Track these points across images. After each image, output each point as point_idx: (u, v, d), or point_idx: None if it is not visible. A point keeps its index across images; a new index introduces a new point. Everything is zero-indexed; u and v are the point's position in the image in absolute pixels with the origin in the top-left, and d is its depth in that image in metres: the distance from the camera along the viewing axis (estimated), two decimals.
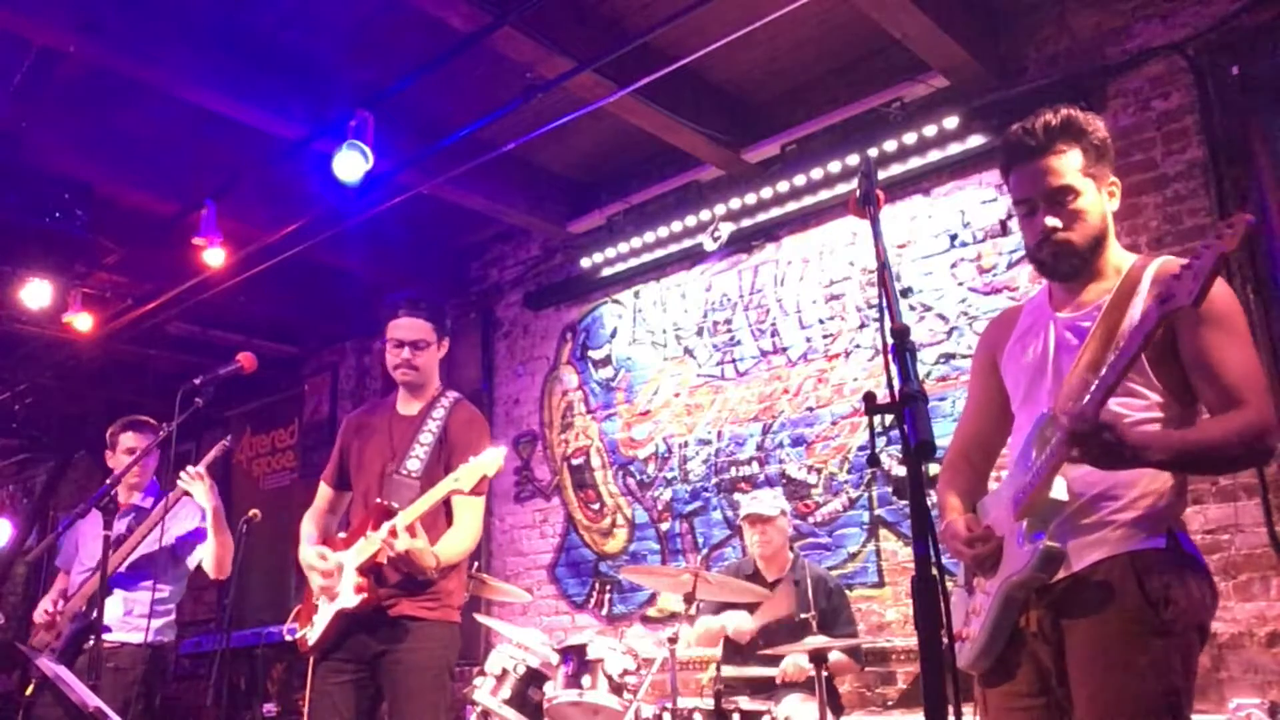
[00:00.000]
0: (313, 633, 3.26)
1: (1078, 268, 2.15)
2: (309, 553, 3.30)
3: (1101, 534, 2.01)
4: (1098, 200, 2.15)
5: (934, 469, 4.83)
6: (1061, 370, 2.12)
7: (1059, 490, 2.00)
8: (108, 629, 4.13)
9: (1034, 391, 2.17)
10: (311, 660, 3.33)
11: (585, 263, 6.43)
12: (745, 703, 4.00)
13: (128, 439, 4.47)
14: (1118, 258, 2.18)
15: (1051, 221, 2.12)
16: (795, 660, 4.17)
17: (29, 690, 4.13)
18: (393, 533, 3.02)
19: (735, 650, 4.49)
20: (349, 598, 3.17)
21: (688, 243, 5.97)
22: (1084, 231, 2.13)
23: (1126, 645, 1.94)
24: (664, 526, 6.01)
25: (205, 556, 4.31)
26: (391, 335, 3.41)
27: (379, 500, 3.22)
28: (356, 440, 3.50)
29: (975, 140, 4.94)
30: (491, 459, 3.13)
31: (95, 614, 4.10)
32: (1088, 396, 1.91)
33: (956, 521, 2.20)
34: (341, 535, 3.41)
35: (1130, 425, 1.97)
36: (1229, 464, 2.09)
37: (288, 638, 3.47)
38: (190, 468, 4.17)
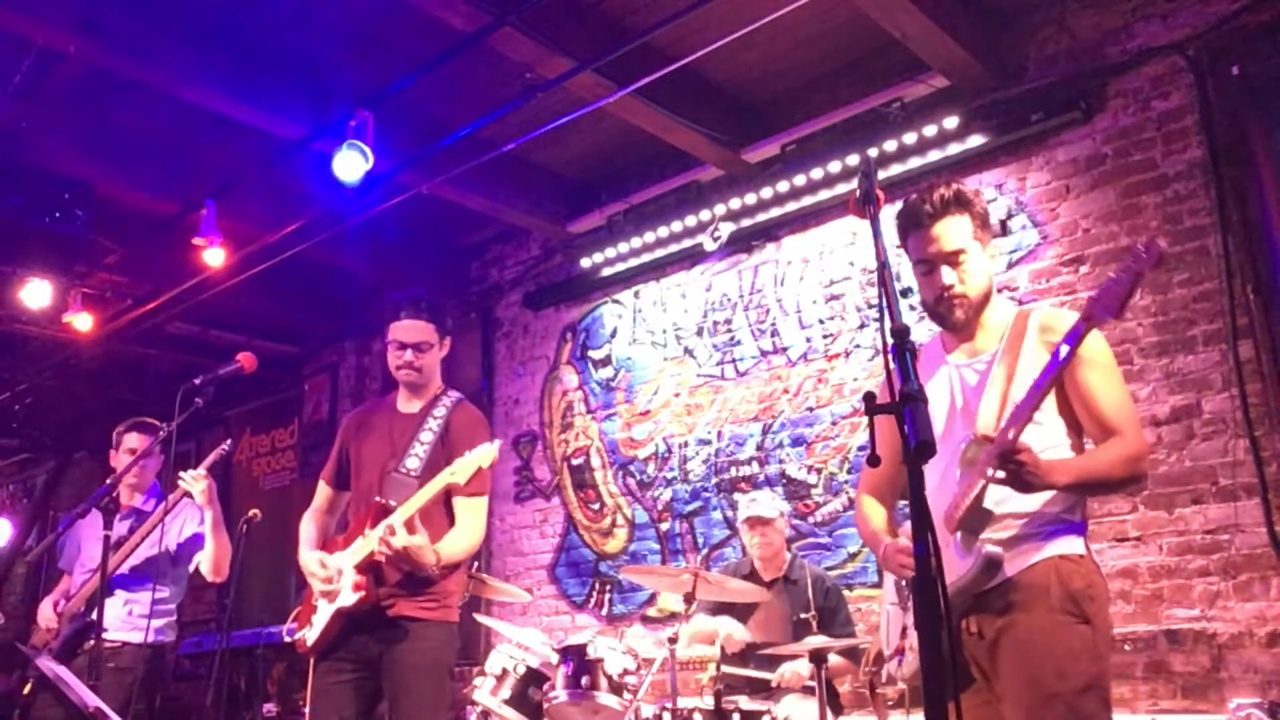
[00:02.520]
0: (311, 633, 3.25)
1: (970, 318, 2.41)
2: (309, 559, 3.28)
3: (1029, 544, 2.25)
4: (983, 262, 2.42)
5: None
6: (970, 406, 2.36)
7: (990, 503, 2.20)
8: (107, 629, 4.14)
9: (947, 430, 2.38)
10: (312, 661, 3.33)
11: (585, 263, 6.43)
12: (745, 703, 4.00)
13: (131, 440, 4.47)
14: (1002, 311, 2.47)
15: (949, 278, 2.38)
16: (793, 668, 4.15)
17: (27, 689, 4.14)
18: (390, 530, 3.02)
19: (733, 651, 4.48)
20: (347, 596, 3.16)
21: (688, 243, 5.97)
22: (975, 286, 2.39)
23: (1059, 632, 2.17)
24: (664, 526, 6.01)
25: (204, 559, 4.31)
26: (393, 337, 3.39)
27: (377, 499, 3.21)
28: (356, 439, 3.48)
29: (975, 140, 4.94)
30: (484, 452, 3.12)
31: (94, 615, 4.12)
32: (1010, 420, 2.16)
33: (899, 541, 2.42)
34: (340, 536, 3.41)
35: (1041, 453, 2.20)
36: (1116, 486, 2.35)
37: (287, 639, 3.46)
38: (191, 471, 4.16)
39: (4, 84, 5.00)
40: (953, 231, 2.37)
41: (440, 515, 3.24)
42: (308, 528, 3.49)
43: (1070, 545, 2.26)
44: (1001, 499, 2.21)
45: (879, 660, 4.72)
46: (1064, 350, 2.13)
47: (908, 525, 2.35)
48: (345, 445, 3.52)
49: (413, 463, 3.29)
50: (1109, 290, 2.08)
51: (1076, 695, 2.11)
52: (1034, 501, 2.23)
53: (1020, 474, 2.10)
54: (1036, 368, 2.22)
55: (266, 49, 5.03)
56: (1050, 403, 2.27)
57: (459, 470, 3.11)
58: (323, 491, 3.55)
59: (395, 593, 3.18)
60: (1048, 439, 2.28)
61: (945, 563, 2.18)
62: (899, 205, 5.41)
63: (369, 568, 3.17)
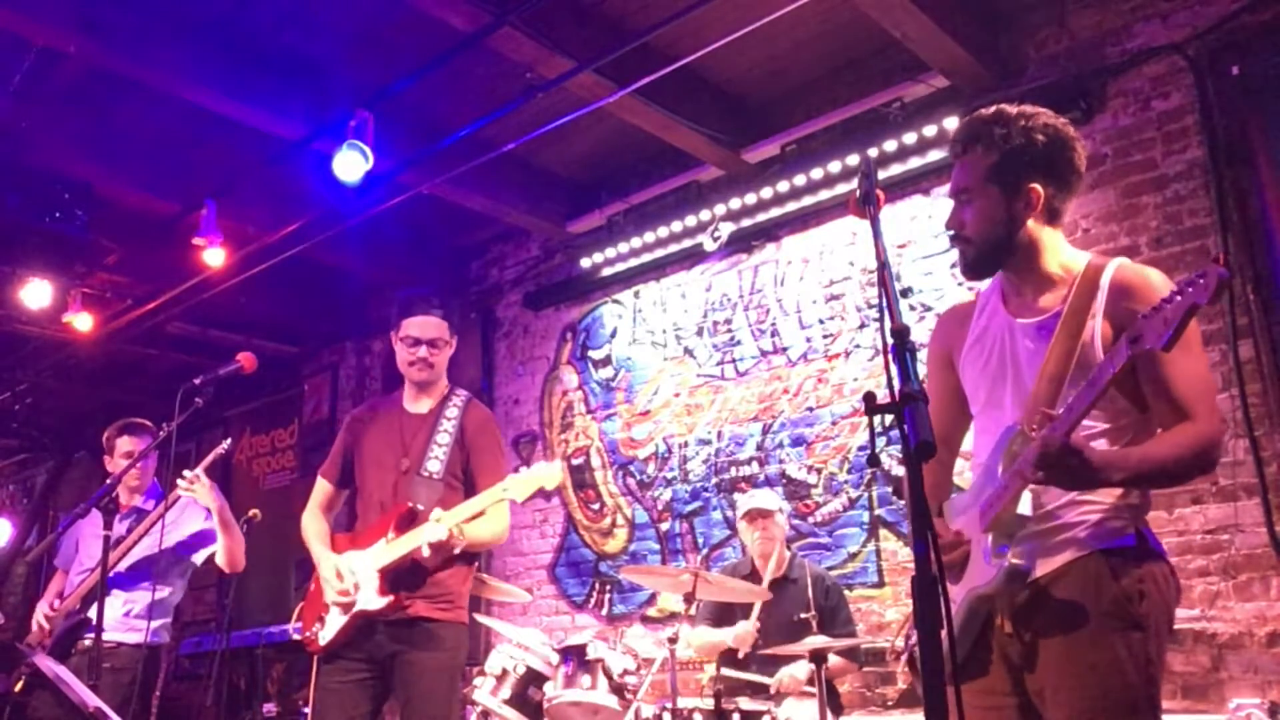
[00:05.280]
0: (325, 632, 3.26)
1: (977, 267, 2.21)
2: (327, 565, 3.29)
3: (1070, 534, 2.04)
4: (1001, 205, 2.14)
5: None
6: (1022, 376, 2.13)
7: (1024, 506, 2.03)
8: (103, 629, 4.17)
9: (995, 396, 2.19)
10: (315, 658, 3.33)
11: (585, 263, 6.43)
12: (745, 703, 4.00)
13: (124, 443, 4.48)
14: (1064, 259, 2.18)
15: (951, 222, 2.21)
16: (791, 672, 4.16)
17: (18, 687, 4.14)
18: (446, 537, 3.07)
19: (732, 655, 4.48)
20: (372, 600, 3.18)
21: (688, 243, 5.97)
22: (980, 236, 2.16)
23: (1106, 640, 1.97)
24: (664, 526, 6.01)
25: (218, 554, 4.35)
26: (407, 333, 3.38)
27: (408, 504, 3.23)
28: (362, 438, 3.48)
29: None
30: (549, 474, 3.14)
31: (88, 613, 4.12)
32: (1057, 421, 1.91)
33: (937, 522, 2.21)
34: (346, 534, 3.42)
35: (1092, 445, 1.99)
36: (1180, 477, 2.08)
37: (295, 636, 3.46)
38: (187, 472, 4.16)
39: (4, 84, 5.00)
40: (966, 169, 2.18)
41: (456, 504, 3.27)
42: (314, 526, 3.48)
43: (1120, 539, 2.03)
44: (1048, 492, 2.03)
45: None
46: (1107, 376, 1.86)
47: (950, 502, 2.25)
48: (350, 443, 3.51)
49: (434, 465, 3.31)
50: (1161, 317, 1.77)
51: (1121, 714, 1.94)
52: (1081, 490, 2.02)
53: (1068, 474, 1.90)
54: (1103, 342, 2.00)
55: (266, 49, 5.04)
56: None
57: (513, 488, 3.13)
58: (323, 488, 3.55)
59: (414, 595, 3.20)
60: (1102, 420, 2.06)
61: (972, 563, 2.10)
62: (899, 205, 5.38)
63: (393, 570, 3.18)
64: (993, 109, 2.18)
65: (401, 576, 3.19)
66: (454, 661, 3.26)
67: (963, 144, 2.19)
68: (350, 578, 3.21)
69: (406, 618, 3.18)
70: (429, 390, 3.46)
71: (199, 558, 4.50)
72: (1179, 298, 1.76)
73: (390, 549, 3.17)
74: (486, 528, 3.27)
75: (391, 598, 3.15)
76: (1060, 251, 2.18)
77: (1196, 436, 1.97)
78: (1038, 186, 2.13)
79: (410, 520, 3.18)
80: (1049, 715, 2.03)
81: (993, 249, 2.17)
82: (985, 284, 2.35)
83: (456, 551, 3.17)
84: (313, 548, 3.41)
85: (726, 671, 4.19)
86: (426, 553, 3.08)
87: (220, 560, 4.35)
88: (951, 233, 2.24)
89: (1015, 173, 2.12)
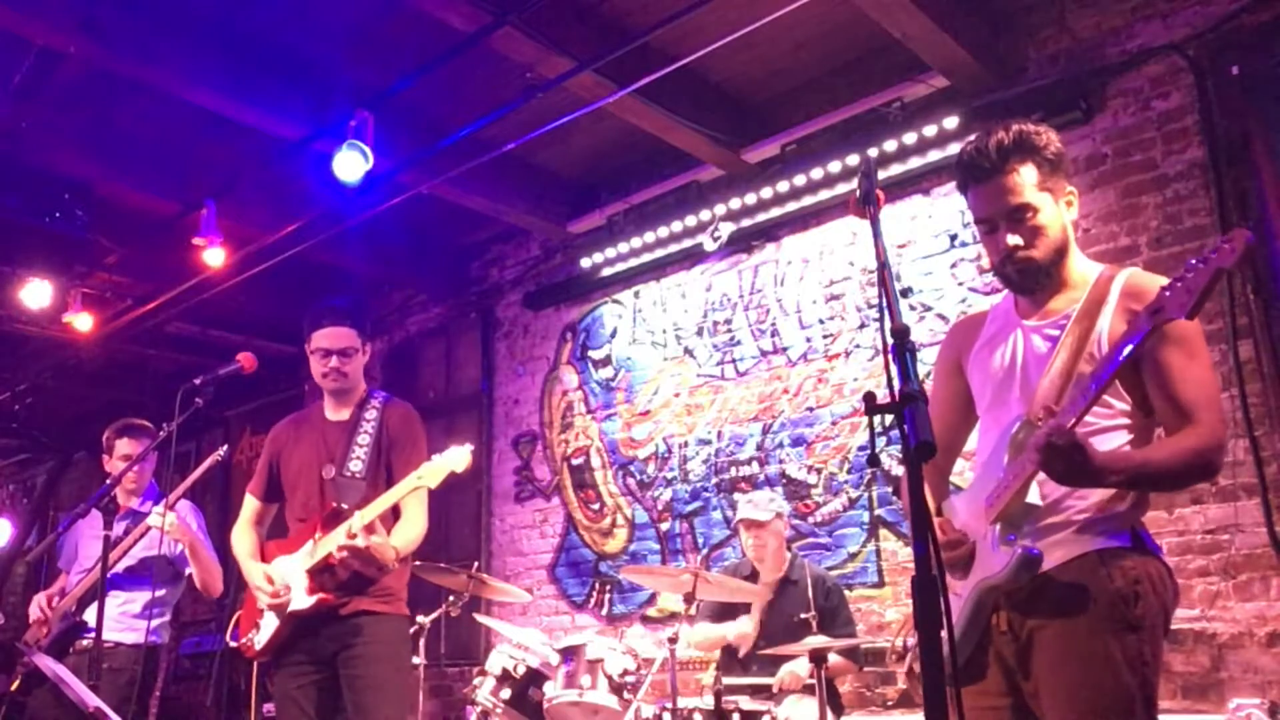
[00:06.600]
0: (260, 636, 3.31)
1: (1042, 282, 2.18)
2: (255, 573, 3.35)
3: (1067, 533, 2.05)
4: (1056, 213, 2.16)
5: None
6: (1030, 377, 2.15)
7: (1033, 495, 2.03)
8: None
9: (1002, 396, 2.20)
10: (257, 665, 3.35)
11: (585, 263, 6.43)
12: (745, 703, 4.00)
13: (123, 445, 4.49)
14: (1081, 266, 2.21)
15: (1013, 240, 2.14)
16: (791, 669, 4.16)
17: (15, 686, 4.15)
18: (350, 534, 3.08)
19: (733, 656, 4.48)
20: (301, 599, 3.22)
21: (688, 243, 5.97)
22: (1045, 246, 2.15)
23: (1100, 641, 1.97)
24: (664, 526, 6.01)
25: (195, 578, 4.39)
26: (318, 345, 3.45)
27: (334, 503, 3.26)
28: (285, 452, 3.54)
29: None
30: (459, 457, 3.18)
31: (84, 614, 4.13)
32: (1066, 411, 1.93)
33: (938, 520, 2.21)
34: (277, 541, 3.46)
35: (1095, 445, 1.98)
36: (1179, 482, 2.13)
37: (231, 644, 3.49)
38: (158, 508, 4.12)
39: (4, 84, 5.00)
40: (1016, 185, 2.11)
41: (385, 512, 3.29)
42: (243, 540, 3.54)
43: (1116, 537, 2.03)
44: (1046, 485, 2.03)
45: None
46: (1126, 350, 1.88)
47: (950, 501, 2.25)
48: (273, 458, 3.57)
49: (355, 465, 3.35)
50: (1183, 285, 1.78)
51: (1116, 715, 1.95)
52: (1078, 488, 2.03)
53: (1069, 468, 1.90)
54: (1111, 341, 2.00)
55: (266, 49, 5.03)
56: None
57: (428, 475, 3.17)
58: (250, 504, 3.61)
59: (348, 592, 3.24)
60: (1103, 418, 2.06)
61: (979, 555, 2.10)
62: (899, 205, 5.36)
63: (322, 570, 3.22)
64: (1011, 129, 2.16)
65: (333, 574, 3.23)
66: (397, 652, 3.33)
67: (1000, 160, 2.14)
68: (280, 580, 3.27)
69: (345, 614, 3.23)
70: (346, 398, 3.53)
71: (189, 569, 4.51)
72: (1202, 265, 1.77)
73: (318, 549, 3.23)
74: (409, 531, 3.29)
75: (319, 596, 3.19)
76: (1077, 257, 2.22)
77: (1198, 442, 1.98)
78: (1072, 189, 2.20)
79: (336, 519, 3.21)
80: (1044, 717, 2.03)
81: (1056, 258, 2.16)
82: (998, 298, 2.36)
83: (390, 559, 3.17)
84: (241, 562, 3.47)
85: (727, 680, 4.19)
86: (337, 555, 3.11)
87: (197, 584, 4.39)
88: (1006, 256, 2.16)
89: (1057, 179, 2.16)
